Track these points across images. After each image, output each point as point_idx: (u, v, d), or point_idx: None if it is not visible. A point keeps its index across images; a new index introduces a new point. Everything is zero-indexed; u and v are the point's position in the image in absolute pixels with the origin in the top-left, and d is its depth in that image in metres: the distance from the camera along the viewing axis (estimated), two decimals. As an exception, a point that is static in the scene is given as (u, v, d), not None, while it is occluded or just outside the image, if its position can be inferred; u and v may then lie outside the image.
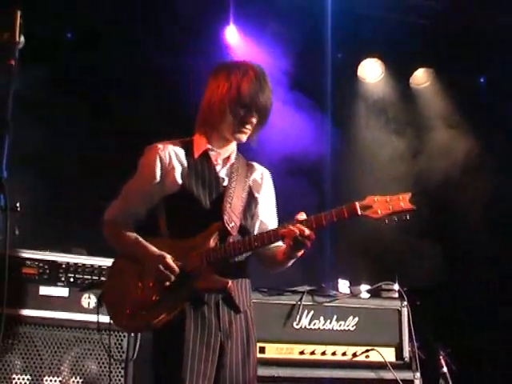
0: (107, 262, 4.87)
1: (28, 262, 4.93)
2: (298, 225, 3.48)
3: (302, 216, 3.52)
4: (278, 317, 5.26)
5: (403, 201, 3.47)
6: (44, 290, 4.96)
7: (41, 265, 4.95)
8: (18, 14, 2.88)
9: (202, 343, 3.54)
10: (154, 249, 3.62)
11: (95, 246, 4.98)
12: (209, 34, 7.58)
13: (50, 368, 4.87)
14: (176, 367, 3.49)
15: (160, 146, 3.78)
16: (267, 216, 3.94)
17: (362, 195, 3.50)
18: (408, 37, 7.85)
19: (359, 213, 3.46)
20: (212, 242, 3.57)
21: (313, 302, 5.35)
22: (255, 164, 4.00)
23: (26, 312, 4.85)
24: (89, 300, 5.01)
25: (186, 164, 3.72)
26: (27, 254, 4.93)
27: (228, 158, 3.84)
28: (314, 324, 5.31)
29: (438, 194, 7.77)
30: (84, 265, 5.06)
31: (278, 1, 7.41)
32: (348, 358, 5.33)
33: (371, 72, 8.57)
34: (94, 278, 5.01)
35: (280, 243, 3.73)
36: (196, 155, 3.76)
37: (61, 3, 6.96)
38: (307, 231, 3.45)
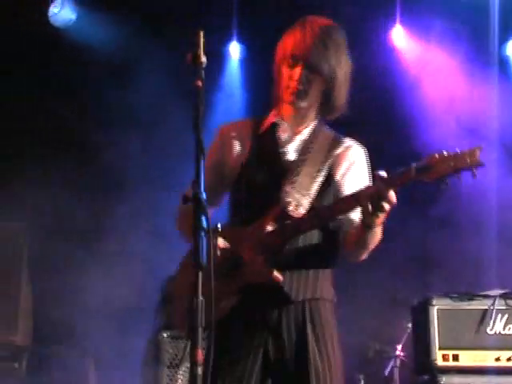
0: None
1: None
2: (377, 183, 2.98)
3: (383, 173, 2.99)
4: (470, 323, 5.11)
5: (470, 156, 2.89)
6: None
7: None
8: (201, 33, 2.88)
9: (241, 347, 3.11)
10: None
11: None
12: (373, 36, 7.50)
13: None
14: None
15: (224, 124, 3.46)
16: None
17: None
18: None
19: (413, 175, 2.93)
20: (269, 228, 3.12)
21: (506, 306, 5.14)
22: (345, 139, 3.41)
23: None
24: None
25: (249, 141, 3.34)
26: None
27: (300, 131, 3.35)
28: (509, 329, 5.10)
29: None
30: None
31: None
32: (547, 363, 5.09)
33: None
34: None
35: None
36: (262, 130, 3.36)
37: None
38: (388, 192, 2.93)
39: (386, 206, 2.96)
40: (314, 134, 3.35)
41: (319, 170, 3.25)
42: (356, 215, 3.20)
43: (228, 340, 3.12)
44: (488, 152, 6.97)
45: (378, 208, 2.96)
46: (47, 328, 6.67)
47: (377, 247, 3.27)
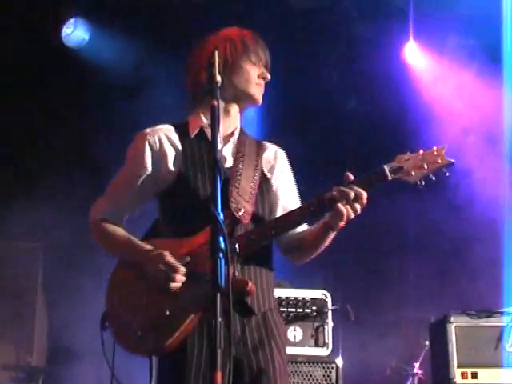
0: (312, 293, 4.88)
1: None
2: (352, 185, 2.98)
3: (352, 176, 3.02)
4: (488, 340, 5.06)
5: (439, 156, 2.99)
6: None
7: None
8: (216, 52, 2.88)
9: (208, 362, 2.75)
10: (149, 248, 3.08)
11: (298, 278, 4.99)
12: (387, 52, 7.50)
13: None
14: None
15: (148, 130, 3.27)
16: (290, 200, 3.32)
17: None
18: None
19: (389, 178, 2.99)
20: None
21: (525, 322, 5.09)
22: (267, 143, 3.43)
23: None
24: (295, 333, 4.98)
25: (180, 147, 3.19)
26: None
27: (231, 134, 3.29)
28: (528, 346, 5.06)
29: None
30: (288, 298, 5.05)
31: (458, 11, 7.18)
32: None
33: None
34: (299, 310, 4.99)
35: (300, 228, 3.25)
36: (191, 135, 3.22)
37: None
38: (365, 194, 2.97)
39: (358, 208, 2.99)
40: (241, 137, 3.32)
41: (255, 174, 3.22)
42: None
43: (193, 359, 3.00)
44: (502, 163, 6.97)
45: (352, 209, 2.98)
46: (62, 348, 6.64)
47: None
